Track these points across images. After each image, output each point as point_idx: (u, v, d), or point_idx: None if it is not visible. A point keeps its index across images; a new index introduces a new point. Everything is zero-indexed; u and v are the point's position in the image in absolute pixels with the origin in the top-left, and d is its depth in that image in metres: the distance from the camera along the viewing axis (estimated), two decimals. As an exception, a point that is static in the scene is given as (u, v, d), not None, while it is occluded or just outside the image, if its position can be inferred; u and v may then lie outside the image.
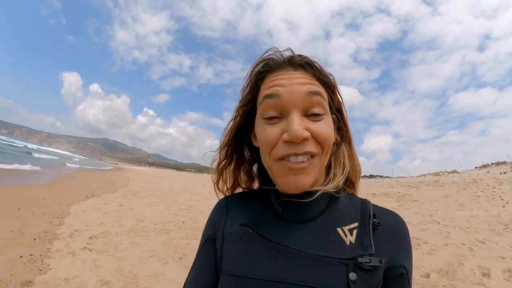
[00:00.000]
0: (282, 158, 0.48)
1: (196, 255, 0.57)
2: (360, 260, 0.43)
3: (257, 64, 0.55)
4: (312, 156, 0.48)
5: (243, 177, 0.64)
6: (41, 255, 3.19)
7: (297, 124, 0.45)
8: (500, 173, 26.25)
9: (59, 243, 3.69)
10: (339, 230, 0.48)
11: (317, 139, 0.47)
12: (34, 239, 3.70)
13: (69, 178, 13.76)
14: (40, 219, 4.72)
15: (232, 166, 0.62)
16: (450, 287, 3.03)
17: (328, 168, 0.57)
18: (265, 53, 0.55)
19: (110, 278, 2.81)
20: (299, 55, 0.53)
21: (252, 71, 0.55)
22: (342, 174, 0.55)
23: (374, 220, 0.49)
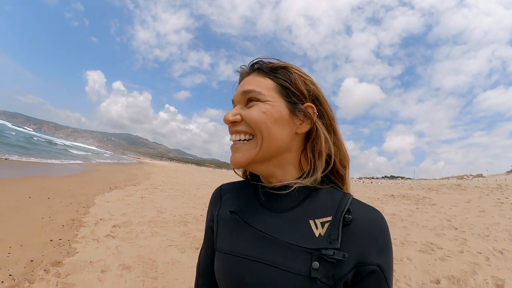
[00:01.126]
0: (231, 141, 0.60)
1: (203, 240, 0.73)
2: (324, 252, 0.48)
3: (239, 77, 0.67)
4: (250, 136, 0.57)
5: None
6: (69, 240, 3.49)
7: (229, 112, 0.59)
8: (531, 180, 24.68)
9: (85, 230, 4.00)
10: (311, 222, 0.53)
11: (246, 121, 0.57)
12: (63, 225, 4.03)
13: (93, 171, 14.48)
14: (68, 208, 5.09)
15: None
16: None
17: (313, 163, 0.60)
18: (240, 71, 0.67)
19: (131, 263, 3.06)
20: (252, 61, 0.63)
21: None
22: (323, 166, 0.58)
23: (346, 216, 0.51)
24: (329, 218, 0.52)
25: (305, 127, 0.58)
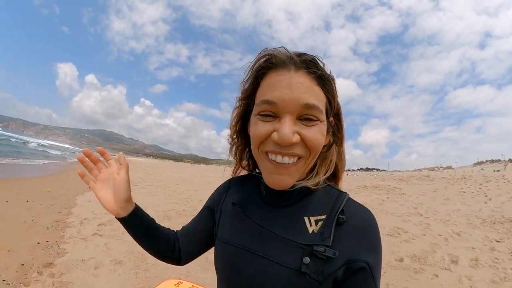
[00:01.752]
0: (266, 154, 0.53)
1: (198, 212, 0.77)
2: (315, 248, 0.50)
3: (260, 58, 0.55)
4: (299, 157, 0.52)
5: (246, 160, 0.71)
6: (56, 241, 3.53)
7: (288, 127, 0.48)
8: (494, 171, 26.69)
9: (71, 230, 4.05)
10: (306, 219, 0.55)
11: (306, 144, 0.51)
12: (47, 227, 4.03)
13: (69, 171, 14.04)
14: (49, 210, 5.05)
15: (239, 147, 0.68)
16: (420, 270, 3.46)
17: (314, 165, 0.60)
18: (265, 51, 0.55)
19: (122, 258, 3.21)
20: (302, 53, 0.53)
21: (254, 65, 0.56)
22: (326, 173, 0.59)
23: (340, 216, 0.53)
24: (323, 217, 0.54)
25: (327, 140, 0.59)
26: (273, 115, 0.51)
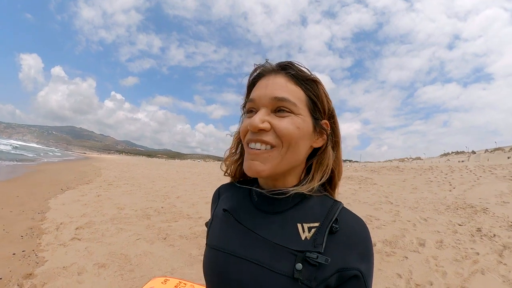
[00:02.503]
0: (247, 144, 0.58)
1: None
2: (308, 254, 0.50)
3: (253, 73, 0.63)
4: (272, 147, 0.55)
5: (235, 170, 0.72)
6: (33, 250, 3.38)
7: (258, 116, 0.55)
8: (458, 162, 28.41)
9: (47, 237, 3.90)
10: (299, 225, 0.55)
11: (276, 132, 0.54)
12: (22, 236, 3.85)
13: (38, 172, 13.30)
14: (21, 217, 4.80)
15: (233, 158, 0.71)
16: (391, 253, 3.75)
17: (309, 170, 0.62)
18: (257, 65, 0.63)
19: (105, 261, 3.17)
20: (284, 61, 0.60)
21: (249, 79, 0.65)
22: (321, 179, 0.60)
23: (333, 225, 0.54)
24: (317, 224, 0.54)
25: (320, 143, 0.61)
26: (255, 112, 0.58)
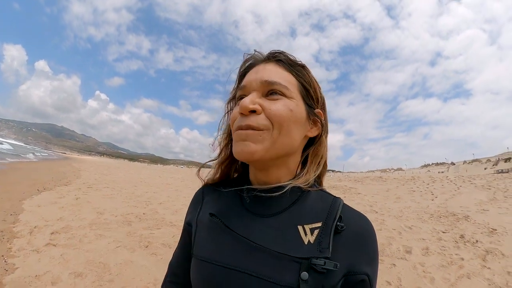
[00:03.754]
0: (237, 130, 0.52)
1: (179, 240, 0.67)
2: (314, 261, 0.44)
3: (244, 63, 0.60)
4: (263, 130, 0.50)
5: (221, 171, 0.64)
6: (2, 256, 3.15)
7: (248, 98, 0.51)
8: (439, 172, 29.40)
9: (19, 241, 3.64)
10: (300, 228, 0.49)
11: (267, 114, 0.51)
12: (-10, 239, 3.59)
13: (13, 170, 12.66)
14: (-9, 217, 4.49)
15: (221, 160, 0.64)
16: (379, 261, 3.74)
17: (304, 163, 0.58)
18: (248, 55, 0.60)
19: (82, 270, 2.96)
20: (274, 50, 0.58)
21: (239, 70, 0.61)
22: (316, 170, 0.57)
23: (338, 223, 0.49)
24: (319, 224, 0.49)
25: (315, 132, 0.58)
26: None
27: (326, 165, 0.62)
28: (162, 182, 15.79)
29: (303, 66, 0.57)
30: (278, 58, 0.56)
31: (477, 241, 4.61)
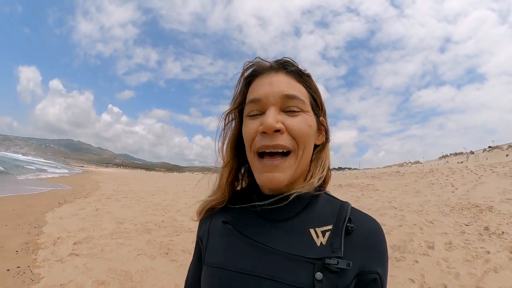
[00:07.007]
0: (260, 153, 0.52)
1: (193, 255, 0.68)
2: (327, 261, 0.45)
3: (246, 69, 0.58)
4: (288, 152, 0.51)
5: (224, 189, 0.62)
6: (29, 266, 3.25)
7: (271, 116, 0.49)
8: (458, 163, 28.41)
9: (44, 252, 3.76)
10: (311, 230, 0.50)
11: (291, 133, 0.50)
12: (16, 251, 3.72)
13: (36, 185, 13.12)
14: (17, 231, 4.68)
15: (227, 178, 0.62)
16: (401, 258, 3.65)
17: (308, 169, 0.58)
18: (249, 63, 0.58)
19: (104, 278, 3.03)
20: (281, 59, 0.57)
21: (242, 76, 0.59)
22: (321, 174, 0.57)
23: (348, 224, 0.50)
24: (330, 227, 0.50)
25: (321, 139, 0.59)
26: (259, 114, 0.53)
27: (330, 170, 0.63)
28: (179, 190, 15.99)
29: (308, 75, 0.58)
30: (289, 68, 0.55)
31: (503, 232, 4.42)
